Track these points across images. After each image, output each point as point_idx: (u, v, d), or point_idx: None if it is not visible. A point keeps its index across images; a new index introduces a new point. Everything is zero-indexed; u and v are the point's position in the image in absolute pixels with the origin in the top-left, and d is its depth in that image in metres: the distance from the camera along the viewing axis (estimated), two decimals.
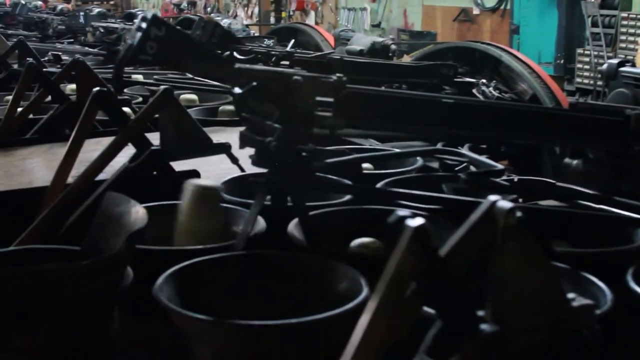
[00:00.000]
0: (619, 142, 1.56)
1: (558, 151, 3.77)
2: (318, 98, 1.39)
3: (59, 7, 8.63)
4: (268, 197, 1.49)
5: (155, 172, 1.80)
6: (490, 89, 4.18)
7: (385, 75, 3.62)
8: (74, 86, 2.89)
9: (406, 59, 5.74)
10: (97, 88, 1.80)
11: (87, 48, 5.30)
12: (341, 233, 1.55)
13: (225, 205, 1.65)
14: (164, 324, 1.19)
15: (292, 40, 4.12)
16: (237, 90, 1.41)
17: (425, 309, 0.94)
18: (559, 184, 1.89)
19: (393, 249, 0.84)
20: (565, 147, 1.89)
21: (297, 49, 4.10)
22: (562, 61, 7.48)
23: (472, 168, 2.07)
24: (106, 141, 1.78)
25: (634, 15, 6.73)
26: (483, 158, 2.15)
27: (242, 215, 1.57)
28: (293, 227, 1.49)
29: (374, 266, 0.92)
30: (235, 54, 3.27)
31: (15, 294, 1.10)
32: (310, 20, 11.80)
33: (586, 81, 7.12)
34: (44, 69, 2.78)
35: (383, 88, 3.15)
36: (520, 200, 1.76)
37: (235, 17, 12.89)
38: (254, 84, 1.39)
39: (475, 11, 9.13)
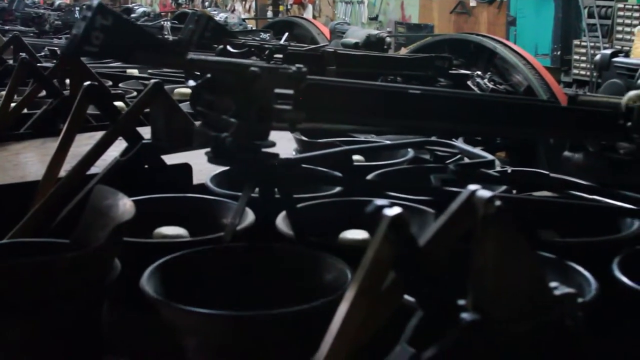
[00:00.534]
0: (621, 135, 1.55)
1: (552, 143, 3.78)
2: (278, 90, 1.31)
3: (57, 2, 8.61)
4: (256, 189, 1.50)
5: (146, 166, 1.81)
6: (485, 80, 4.19)
7: (380, 67, 3.63)
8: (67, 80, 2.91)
9: (403, 52, 5.75)
10: (88, 82, 1.81)
11: None
12: (330, 225, 1.55)
13: (214, 197, 1.67)
14: (152, 316, 1.20)
15: (286, 34, 4.13)
16: (191, 82, 1.35)
17: (407, 298, 0.95)
18: (552, 175, 1.89)
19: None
20: (562, 140, 1.90)
21: (292, 42, 4.11)
22: (558, 53, 7.47)
23: (466, 160, 2.07)
24: (98, 135, 1.78)
25: (630, 6, 6.73)
26: (475, 149, 2.15)
27: (230, 207, 1.58)
28: (281, 219, 1.49)
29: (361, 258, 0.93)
30: (228, 47, 3.28)
31: (4, 287, 1.11)
32: (308, 14, 11.79)
33: (583, 72, 7.12)
34: (39, 64, 2.79)
35: (379, 81, 3.17)
36: (514, 191, 1.77)
37: (232, 11, 12.87)
38: (208, 76, 1.32)
39: (472, 3, 9.12)
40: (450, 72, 3.77)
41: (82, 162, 1.72)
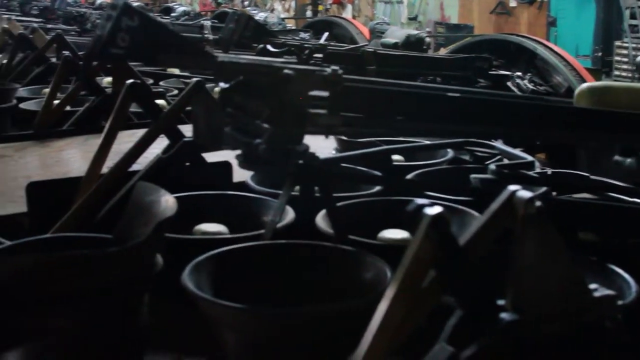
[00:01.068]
0: None
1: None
2: (313, 93, 1.24)
3: (98, 1, 8.68)
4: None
5: (187, 163, 1.82)
6: (525, 81, 4.17)
7: (419, 68, 3.63)
8: (110, 79, 2.94)
9: (442, 52, 5.74)
10: (131, 80, 1.83)
11: None
12: (370, 224, 1.56)
13: (254, 195, 1.68)
14: (192, 311, 1.21)
15: (326, 33, 4.14)
16: (222, 85, 1.28)
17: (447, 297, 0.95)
18: (592, 177, 1.88)
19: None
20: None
21: (331, 42, 4.12)
22: (599, 54, 7.41)
23: (506, 161, 2.07)
24: (140, 133, 1.80)
25: None
26: (515, 150, 2.14)
27: (270, 205, 1.59)
28: (321, 217, 1.50)
29: (401, 257, 0.93)
30: (268, 46, 3.30)
31: (48, 278, 1.13)
32: (347, 13, 11.79)
33: (624, 74, 7.05)
34: (81, 62, 2.82)
35: (418, 82, 3.16)
36: (554, 193, 1.76)
37: (272, 10, 12.91)
38: (240, 78, 1.24)
39: (512, 3, 9.07)
40: (490, 72, 3.76)
41: (124, 159, 1.74)
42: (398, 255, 0.88)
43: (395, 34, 4.46)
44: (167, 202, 1.28)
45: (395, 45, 4.19)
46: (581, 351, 0.96)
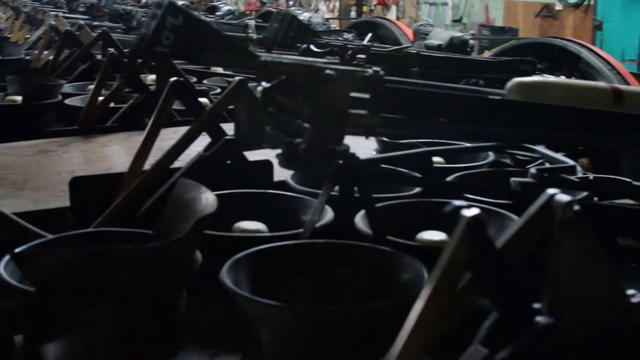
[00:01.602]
0: None
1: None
2: (354, 94, 1.25)
3: None
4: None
5: (229, 161, 1.84)
6: None
7: (462, 70, 3.62)
8: (154, 77, 2.97)
9: (487, 55, 5.71)
10: (174, 78, 1.85)
11: None
12: (408, 225, 1.56)
13: (294, 194, 1.69)
14: (230, 308, 1.22)
15: (369, 34, 4.14)
16: (264, 84, 1.28)
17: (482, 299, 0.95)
18: (635, 183, 1.87)
19: None
20: None
21: (375, 43, 4.12)
22: None
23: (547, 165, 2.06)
24: (183, 130, 1.82)
25: None
26: (557, 155, 2.13)
27: (310, 205, 1.60)
28: (360, 218, 1.51)
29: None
30: (311, 46, 3.31)
31: (90, 273, 1.15)
32: (392, 14, 11.78)
33: None
34: (126, 60, 2.86)
35: (461, 84, 3.15)
36: (596, 198, 1.75)
37: (316, 11, 12.93)
38: (282, 77, 1.25)
39: (558, 7, 9.01)
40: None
41: (166, 155, 1.76)
42: (435, 257, 0.88)
43: (439, 36, 4.44)
44: (208, 199, 1.30)
45: (438, 47, 4.18)
46: (617, 357, 0.95)
